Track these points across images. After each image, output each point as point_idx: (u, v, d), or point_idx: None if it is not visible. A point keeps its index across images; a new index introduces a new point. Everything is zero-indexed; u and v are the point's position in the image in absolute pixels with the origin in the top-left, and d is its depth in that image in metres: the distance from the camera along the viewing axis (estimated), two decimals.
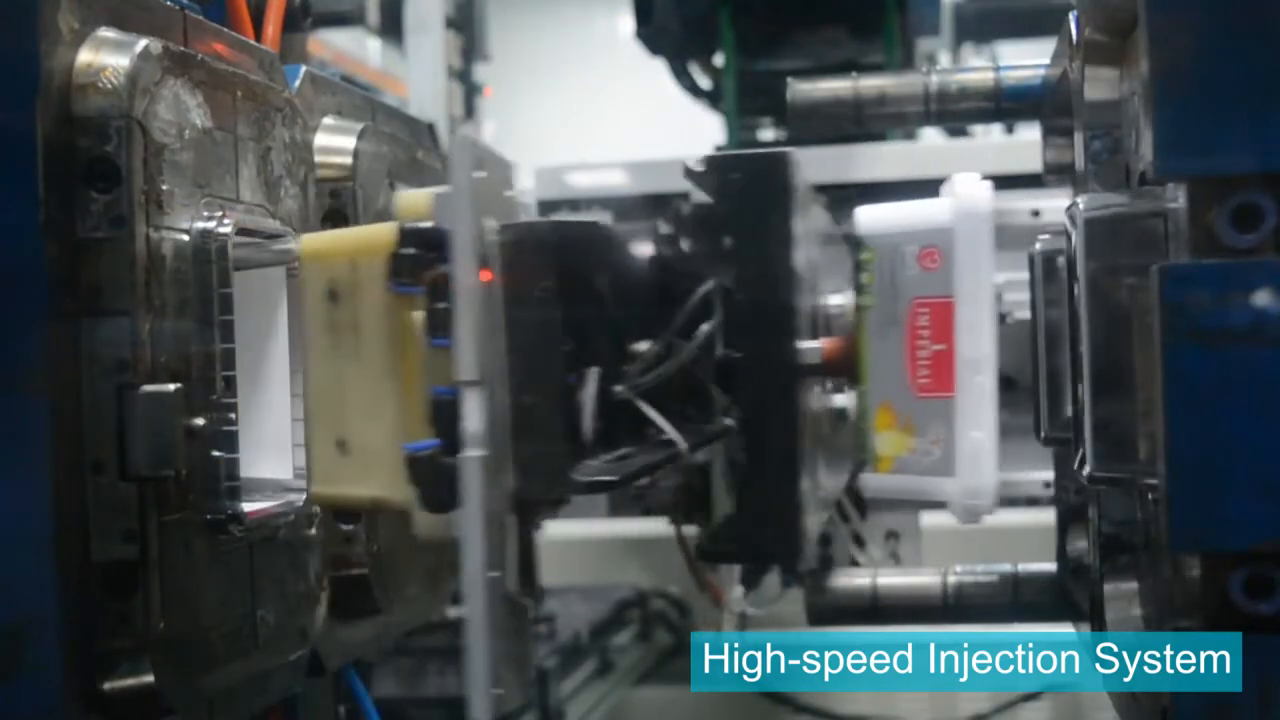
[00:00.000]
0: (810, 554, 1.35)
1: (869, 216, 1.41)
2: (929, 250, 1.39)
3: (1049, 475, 2.28)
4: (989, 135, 3.39)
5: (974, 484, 1.36)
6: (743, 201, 1.28)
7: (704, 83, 3.67)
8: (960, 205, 1.39)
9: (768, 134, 3.63)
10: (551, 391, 1.26)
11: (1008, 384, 2.42)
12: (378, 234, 1.34)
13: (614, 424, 1.29)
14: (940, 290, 1.37)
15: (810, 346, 1.31)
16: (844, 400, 1.42)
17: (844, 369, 1.37)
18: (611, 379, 1.29)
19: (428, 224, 1.28)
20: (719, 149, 3.33)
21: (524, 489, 1.28)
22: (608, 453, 1.30)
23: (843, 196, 2.30)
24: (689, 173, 1.30)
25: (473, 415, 1.22)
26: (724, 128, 3.56)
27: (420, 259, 1.27)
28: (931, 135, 3.80)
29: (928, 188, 1.88)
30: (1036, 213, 2.58)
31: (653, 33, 3.48)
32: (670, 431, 1.30)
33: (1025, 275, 1.59)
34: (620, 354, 1.31)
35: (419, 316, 1.28)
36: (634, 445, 1.34)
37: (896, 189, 1.88)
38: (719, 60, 3.59)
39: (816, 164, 2.66)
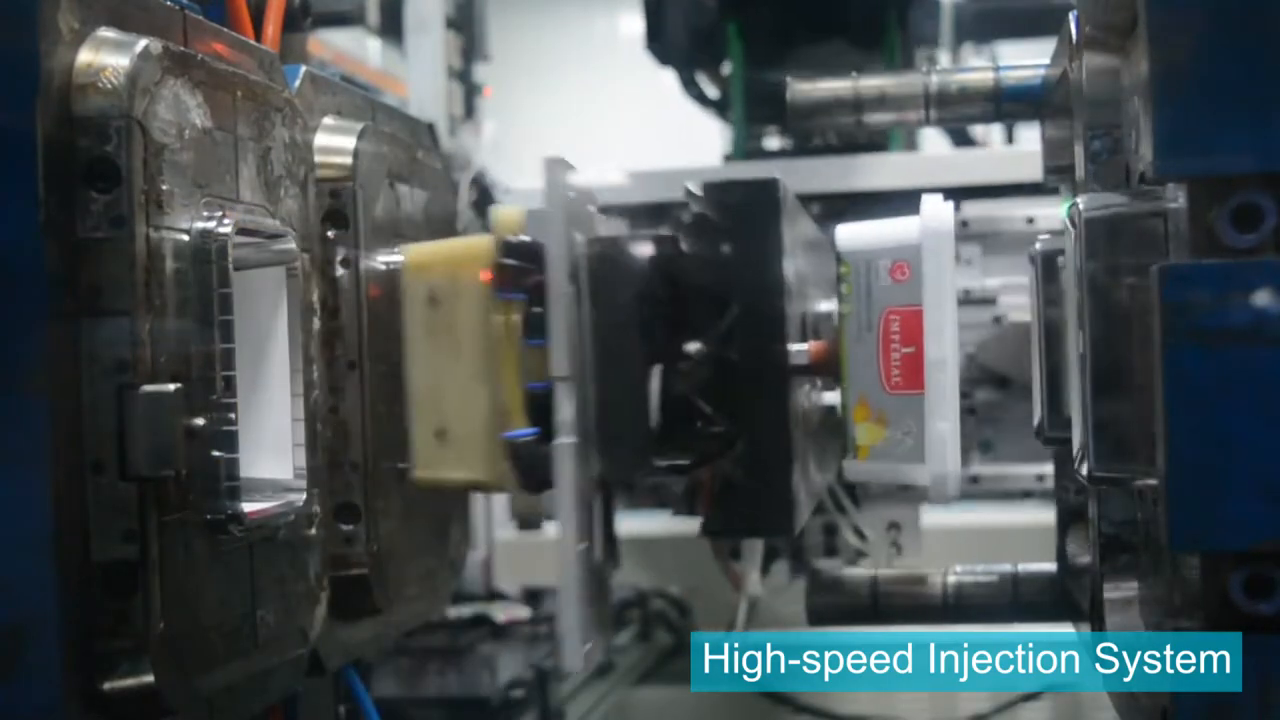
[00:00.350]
0: (800, 527, 1.57)
1: (847, 234, 1.60)
2: (899, 264, 1.55)
3: (1040, 469, 2.53)
4: (988, 145, 3.55)
5: (941, 470, 1.52)
6: (738, 225, 1.46)
7: (711, 92, 3.83)
8: (926, 224, 1.55)
9: (773, 142, 3.68)
10: (631, 387, 1.46)
11: (1002, 382, 2.56)
12: (476, 247, 1.52)
13: (670, 417, 1.48)
14: (909, 300, 1.54)
15: (798, 349, 1.49)
16: (834, 397, 1.63)
17: (828, 369, 1.57)
18: (669, 377, 1.48)
19: (525, 238, 1.47)
20: (727, 157, 3.46)
21: (608, 472, 1.45)
22: (668, 442, 1.48)
23: (843, 206, 2.58)
24: (690, 195, 1.46)
25: (565, 406, 1.40)
26: (731, 135, 3.67)
27: (520, 269, 1.46)
28: (931, 144, 3.99)
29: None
30: (1031, 220, 2.72)
31: (662, 46, 3.62)
32: (725, 424, 1.45)
33: (1020, 279, 1.74)
34: (675, 353, 1.48)
35: (515, 320, 1.48)
36: (687, 437, 1.48)
37: (895, 197, 2.07)
38: (726, 70, 3.75)
39: (822, 173, 2.98)
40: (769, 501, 1.45)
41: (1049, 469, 2.44)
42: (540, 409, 1.42)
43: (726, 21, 3.43)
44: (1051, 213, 2.39)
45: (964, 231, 2.72)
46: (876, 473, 1.56)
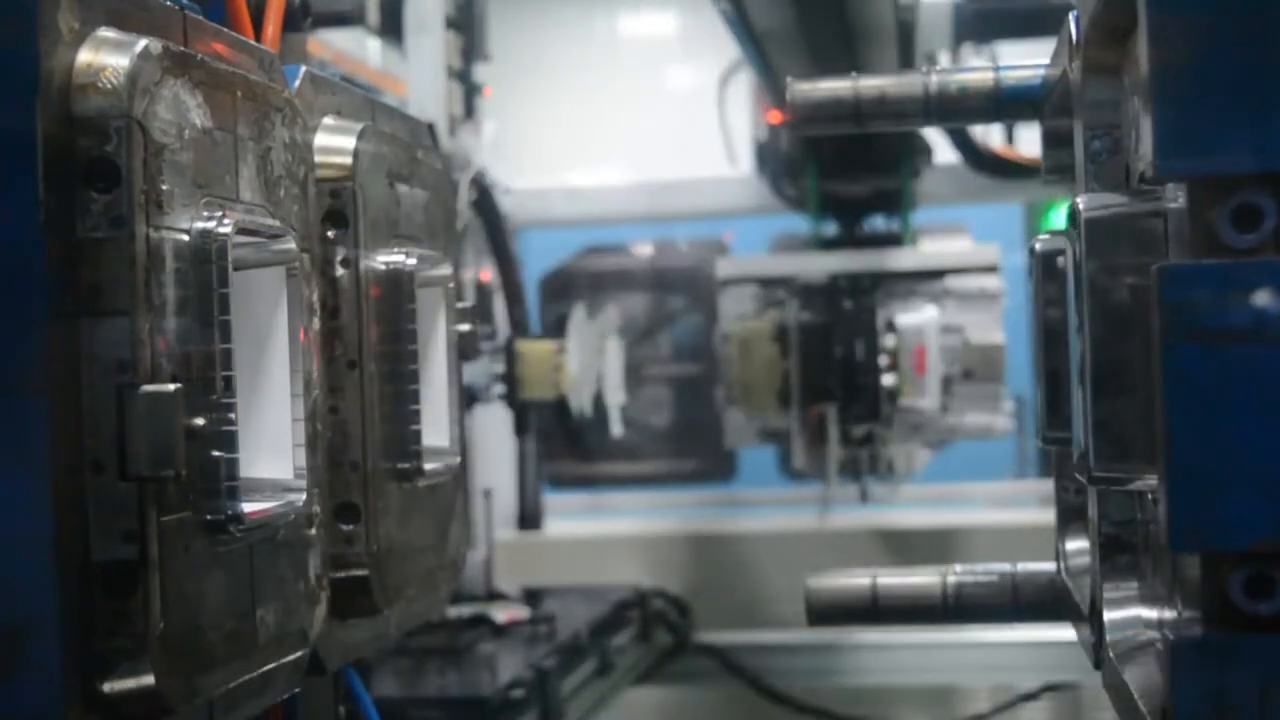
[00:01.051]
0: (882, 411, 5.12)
1: (903, 319, 5.07)
2: (919, 332, 4.93)
3: (987, 418, 5.36)
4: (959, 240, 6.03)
5: (933, 403, 4.98)
6: (856, 315, 5.21)
7: (790, 191, 5.89)
8: (925, 316, 5.08)
9: (831, 227, 5.82)
10: (817, 377, 5.18)
11: (967, 374, 5.45)
12: (762, 325, 5.31)
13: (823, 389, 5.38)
14: (921, 343, 5.00)
15: (884, 362, 5.09)
16: (891, 379, 5.04)
17: (894, 366, 5.02)
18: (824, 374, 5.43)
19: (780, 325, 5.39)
20: (808, 242, 5.90)
21: (813, 402, 5.26)
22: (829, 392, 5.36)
23: (879, 279, 5.38)
24: (818, 290, 5.30)
25: (795, 372, 5.16)
26: (810, 224, 5.85)
27: (782, 339, 5.30)
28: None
29: (930, 275, 5.33)
30: (983, 288, 5.66)
31: (765, 168, 5.94)
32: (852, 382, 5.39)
33: (975, 317, 5.22)
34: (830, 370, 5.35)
35: (776, 352, 5.23)
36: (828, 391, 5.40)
37: (909, 274, 5.34)
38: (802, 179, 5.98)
39: (861, 258, 5.50)
40: (866, 401, 5.08)
41: (993, 419, 5.28)
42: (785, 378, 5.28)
43: (809, 157, 5.72)
44: (995, 283, 5.34)
45: (946, 294, 5.32)
46: (911, 400, 4.98)
